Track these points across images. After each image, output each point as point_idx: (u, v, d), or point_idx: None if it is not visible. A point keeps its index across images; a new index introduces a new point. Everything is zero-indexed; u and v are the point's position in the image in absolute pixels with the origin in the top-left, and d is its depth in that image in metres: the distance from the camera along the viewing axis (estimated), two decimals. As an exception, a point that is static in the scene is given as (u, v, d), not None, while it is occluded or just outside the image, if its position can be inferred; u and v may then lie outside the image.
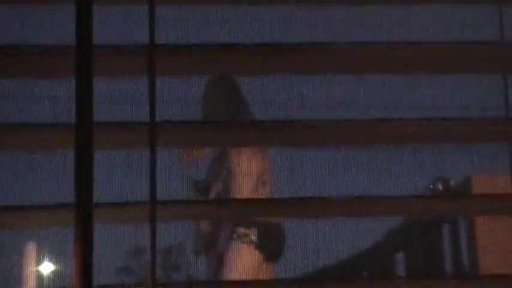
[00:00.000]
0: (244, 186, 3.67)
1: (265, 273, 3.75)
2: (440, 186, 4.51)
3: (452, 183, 4.52)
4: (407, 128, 0.98)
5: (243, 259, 3.60)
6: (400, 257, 5.34)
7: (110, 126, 0.88)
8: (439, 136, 1.00)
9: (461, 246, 4.35)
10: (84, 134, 0.82)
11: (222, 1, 0.95)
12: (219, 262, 3.72)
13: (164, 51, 0.89)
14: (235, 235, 3.62)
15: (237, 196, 3.68)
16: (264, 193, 3.76)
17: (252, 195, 3.69)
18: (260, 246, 3.65)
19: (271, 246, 3.73)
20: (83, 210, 0.81)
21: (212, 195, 3.69)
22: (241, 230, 3.65)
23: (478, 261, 3.70)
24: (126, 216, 0.90)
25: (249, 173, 3.67)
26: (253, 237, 3.62)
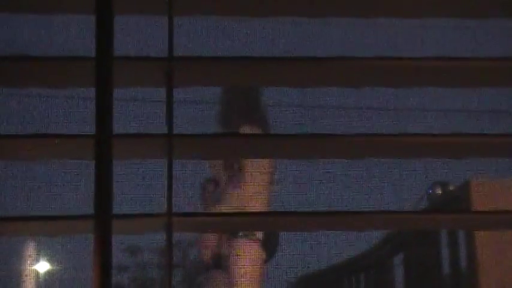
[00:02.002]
0: (258, 182, 3.79)
1: (264, 270, 3.89)
2: (439, 191, 4.53)
3: (450, 187, 4.54)
4: (418, 141, 0.99)
5: (250, 256, 3.72)
6: (397, 260, 5.36)
7: (128, 138, 0.89)
8: (450, 150, 1.01)
9: (459, 248, 4.36)
10: (104, 146, 0.83)
11: (239, 13, 0.96)
12: (223, 259, 3.81)
13: (182, 63, 0.90)
14: (240, 233, 3.73)
15: (250, 191, 3.81)
16: (273, 191, 3.89)
17: (265, 192, 3.80)
18: (264, 243, 3.78)
19: (272, 244, 3.86)
20: (102, 221, 0.82)
21: (224, 191, 3.79)
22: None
23: (476, 265, 3.71)
24: (143, 228, 0.91)
25: (262, 170, 3.78)
26: (259, 235, 3.74)
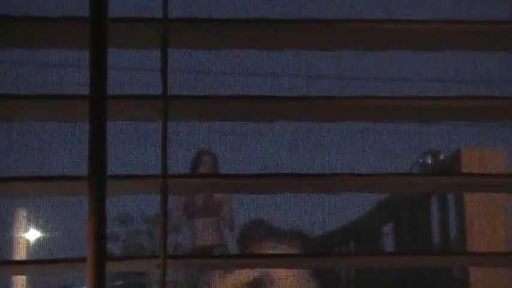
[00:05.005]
0: None
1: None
2: (429, 160, 4.54)
3: (441, 156, 4.55)
4: (413, 104, 0.99)
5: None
6: (387, 229, 5.38)
7: (123, 99, 0.89)
8: (442, 113, 1.01)
9: (450, 217, 4.38)
10: (98, 106, 0.82)
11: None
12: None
13: (177, 25, 0.90)
14: (270, 249, 3.88)
15: None
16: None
17: None
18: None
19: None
20: (97, 182, 0.82)
21: None
22: (278, 245, 3.92)
23: (466, 233, 3.73)
24: (138, 189, 0.91)
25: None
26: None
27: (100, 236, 0.82)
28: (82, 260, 0.84)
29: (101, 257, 0.81)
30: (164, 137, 0.88)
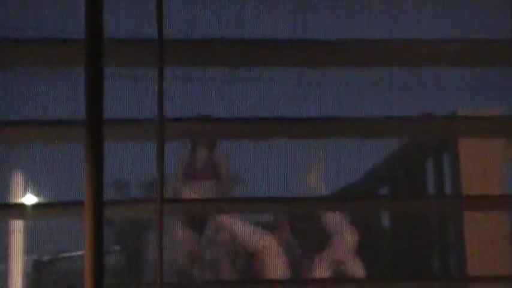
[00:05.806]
0: None
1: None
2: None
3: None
4: (411, 49, 0.99)
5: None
6: (383, 192, 5.39)
7: (119, 43, 0.88)
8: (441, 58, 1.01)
9: (445, 180, 4.39)
10: (95, 50, 0.82)
11: None
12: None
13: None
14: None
15: None
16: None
17: None
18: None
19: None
20: (94, 127, 0.82)
21: None
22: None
23: (462, 194, 3.74)
24: (134, 134, 0.90)
25: None
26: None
27: (97, 179, 0.81)
28: (80, 203, 0.84)
29: (99, 200, 0.81)
30: (160, 82, 0.88)
